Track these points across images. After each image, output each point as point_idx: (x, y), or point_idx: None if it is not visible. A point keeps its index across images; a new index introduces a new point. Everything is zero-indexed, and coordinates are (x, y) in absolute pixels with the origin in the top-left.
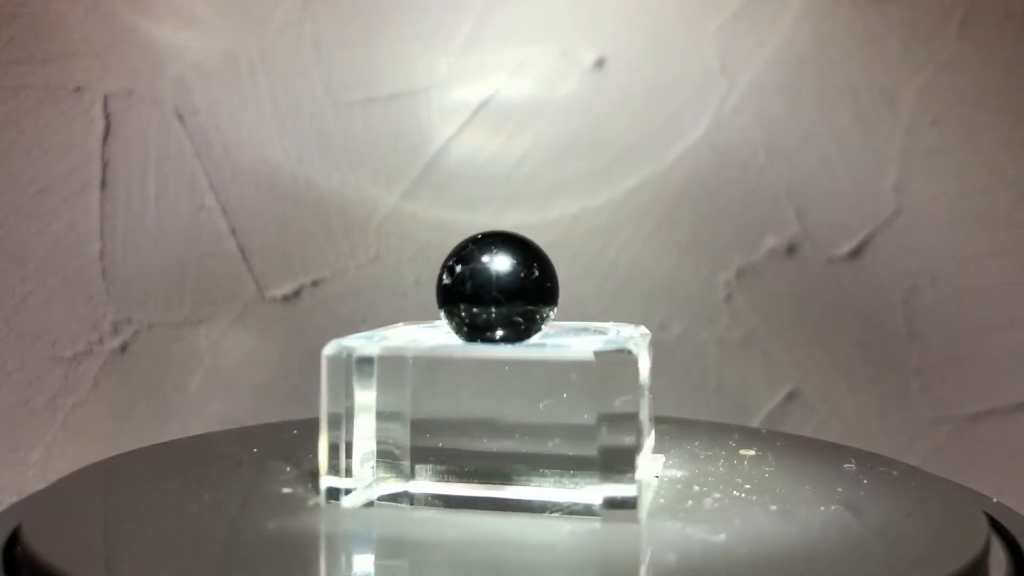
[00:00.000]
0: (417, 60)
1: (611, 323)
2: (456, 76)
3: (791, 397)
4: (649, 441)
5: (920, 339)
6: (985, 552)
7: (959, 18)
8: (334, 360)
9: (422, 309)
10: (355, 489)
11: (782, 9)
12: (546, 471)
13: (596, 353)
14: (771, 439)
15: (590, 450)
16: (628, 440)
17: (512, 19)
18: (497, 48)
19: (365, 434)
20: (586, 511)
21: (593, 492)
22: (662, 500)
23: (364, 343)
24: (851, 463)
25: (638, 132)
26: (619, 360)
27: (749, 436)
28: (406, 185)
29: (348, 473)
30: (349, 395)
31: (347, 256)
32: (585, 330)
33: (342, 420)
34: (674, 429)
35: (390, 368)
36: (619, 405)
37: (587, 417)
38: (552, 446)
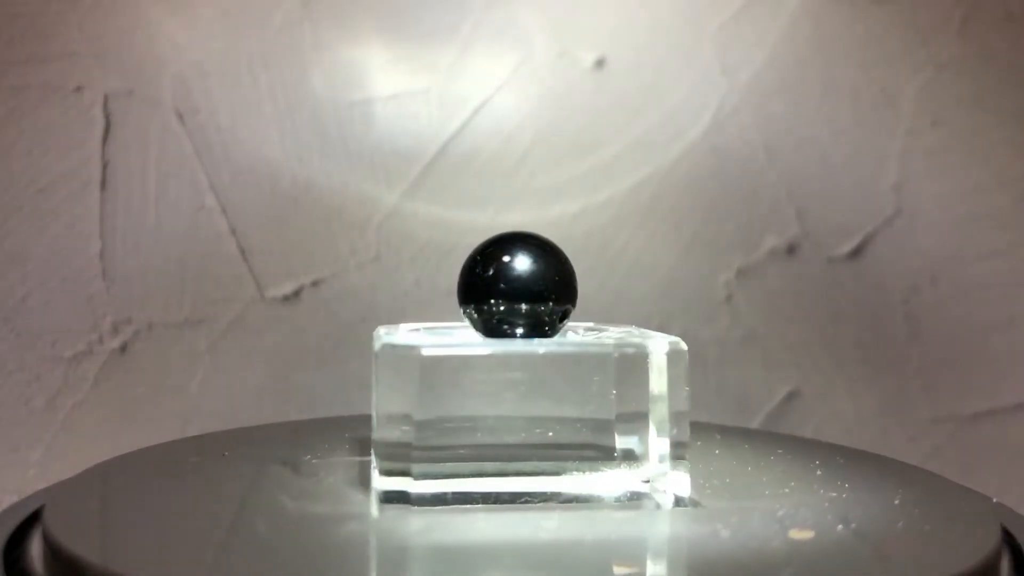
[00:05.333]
0: (417, 60)
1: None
2: (456, 76)
3: (791, 397)
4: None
5: (920, 339)
6: (997, 554)
7: (959, 18)
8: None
9: (422, 309)
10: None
11: (782, 9)
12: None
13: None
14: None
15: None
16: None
17: (512, 19)
18: (497, 48)
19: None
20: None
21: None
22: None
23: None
24: None
25: (638, 132)
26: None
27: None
28: (406, 185)
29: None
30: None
31: (347, 256)
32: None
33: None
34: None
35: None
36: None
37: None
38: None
